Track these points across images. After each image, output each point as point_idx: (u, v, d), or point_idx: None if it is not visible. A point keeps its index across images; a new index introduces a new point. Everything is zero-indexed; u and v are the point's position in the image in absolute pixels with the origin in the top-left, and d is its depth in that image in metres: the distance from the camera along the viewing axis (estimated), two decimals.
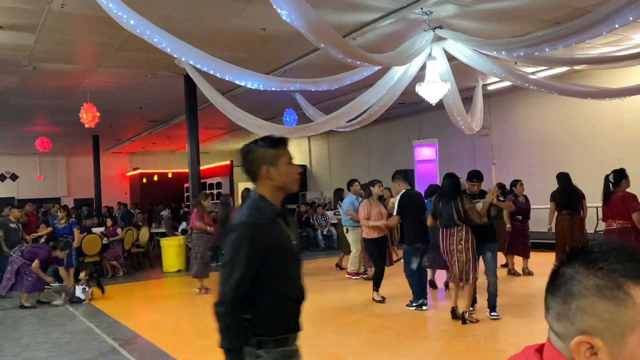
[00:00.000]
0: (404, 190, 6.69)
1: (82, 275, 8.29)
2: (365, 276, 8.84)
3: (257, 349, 2.09)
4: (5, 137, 16.64)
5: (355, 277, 8.93)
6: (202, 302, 8.20)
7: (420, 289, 6.51)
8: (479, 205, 5.67)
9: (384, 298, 7.00)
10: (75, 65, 9.29)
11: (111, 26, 6.32)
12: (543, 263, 9.59)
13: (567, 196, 7.73)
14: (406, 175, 6.97)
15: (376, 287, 7.04)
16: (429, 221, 6.68)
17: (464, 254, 5.55)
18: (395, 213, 6.71)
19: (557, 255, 7.86)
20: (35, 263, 7.71)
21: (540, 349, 0.89)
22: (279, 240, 2.17)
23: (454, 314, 5.73)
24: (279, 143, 2.21)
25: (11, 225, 9.10)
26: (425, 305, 6.44)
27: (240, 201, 10.91)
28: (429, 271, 7.61)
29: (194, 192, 11.31)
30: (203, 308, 7.79)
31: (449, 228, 5.64)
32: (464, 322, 5.56)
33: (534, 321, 5.40)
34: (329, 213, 14.50)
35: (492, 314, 5.73)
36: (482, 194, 5.85)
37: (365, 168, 17.62)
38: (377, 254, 7.16)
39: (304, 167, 21.06)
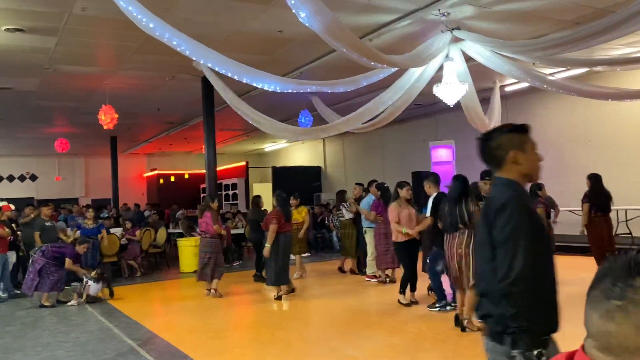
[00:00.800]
0: (435, 193, 6.61)
1: (93, 273, 8.33)
2: (380, 279, 8.75)
3: (512, 349, 1.90)
4: (25, 138, 16.90)
5: (375, 280, 8.80)
6: (218, 303, 8.25)
7: (443, 290, 6.50)
8: None
9: (412, 302, 6.90)
10: (94, 67, 9.40)
11: (130, 29, 6.38)
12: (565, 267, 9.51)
13: (600, 197, 7.61)
14: (438, 179, 6.80)
15: (403, 290, 6.92)
16: (428, 221, 6.71)
17: (464, 259, 5.38)
18: (429, 214, 6.62)
19: (597, 259, 7.77)
20: (69, 262, 7.85)
21: (571, 356, 0.87)
22: (540, 221, 2.09)
23: (457, 320, 5.60)
24: (524, 129, 2.15)
25: (46, 224, 9.20)
26: (450, 306, 6.40)
27: (250, 206, 10.87)
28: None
29: (210, 193, 11.38)
30: (219, 309, 7.84)
31: (452, 232, 5.51)
32: (463, 329, 5.42)
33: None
34: None
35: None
36: None
37: (381, 169, 17.56)
38: (406, 258, 6.99)
39: (318, 168, 21.08)
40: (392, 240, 7.33)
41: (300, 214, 9.57)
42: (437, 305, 6.45)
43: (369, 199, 8.91)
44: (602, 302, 0.81)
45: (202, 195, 20.41)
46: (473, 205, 5.44)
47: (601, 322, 0.81)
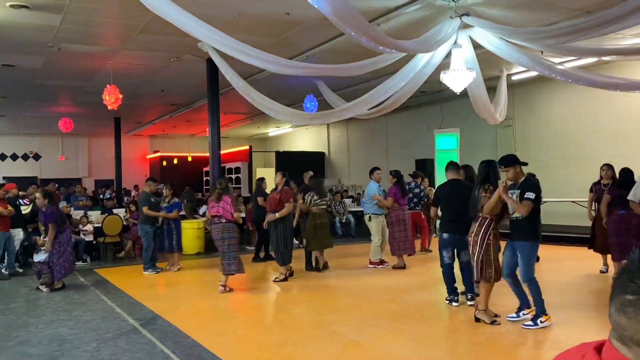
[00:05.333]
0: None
1: (40, 241, 7.99)
2: (394, 265, 8.69)
3: None
4: (29, 117, 16.87)
5: (379, 267, 8.78)
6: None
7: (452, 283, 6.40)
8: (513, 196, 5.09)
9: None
10: (99, 46, 9.34)
11: (136, 8, 6.32)
12: (577, 257, 9.49)
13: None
14: (457, 167, 6.50)
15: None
16: (432, 212, 6.66)
17: (471, 248, 5.27)
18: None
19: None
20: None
21: (599, 347, 0.86)
22: None
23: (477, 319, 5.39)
24: None
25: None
26: (455, 302, 6.24)
27: (254, 189, 10.81)
28: None
29: (214, 176, 11.38)
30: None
31: (473, 221, 5.38)
32: (476, 319, 5.31)
33: (561, 324, 5.34)
34: (347, 201, 14.49)
35: (510, 315, 5.36)
36: (525, 186, 5.05)
37: (385, 156, 17.52)
38: None
39: (322, 154, 21.04)
40: None
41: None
42: (447, 298, 6.28)
43: (374, 185, 8.89)
44: (618, 295, 0.83)
45: (205, 178, 20.42)
46: (483, 193, 5.23)
47: (616, 315, 0.83)
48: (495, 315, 5.34)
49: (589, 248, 8.05)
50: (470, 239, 5.31)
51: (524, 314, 5.29)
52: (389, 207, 8.67)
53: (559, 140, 12.64)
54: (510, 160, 5.15)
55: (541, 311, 5.03)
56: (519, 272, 5.18)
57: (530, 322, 5.06)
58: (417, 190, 10.02)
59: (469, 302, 6.04)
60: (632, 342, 0.80)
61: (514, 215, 5.11)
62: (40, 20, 7.75)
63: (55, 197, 11.44)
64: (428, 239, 10.51)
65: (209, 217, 7.54)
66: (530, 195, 4.93)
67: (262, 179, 10.51)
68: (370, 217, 8.91)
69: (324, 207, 8.84)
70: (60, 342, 5.13)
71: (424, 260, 9.41)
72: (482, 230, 5.18)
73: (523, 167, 5.23)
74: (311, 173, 9.61)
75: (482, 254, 5.15)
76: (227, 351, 4.68)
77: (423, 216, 10.19)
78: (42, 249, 7.70)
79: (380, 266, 8.80)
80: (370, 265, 8.89)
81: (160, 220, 9.13)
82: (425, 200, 9.98)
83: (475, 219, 5.29)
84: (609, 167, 7.68)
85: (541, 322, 5.00)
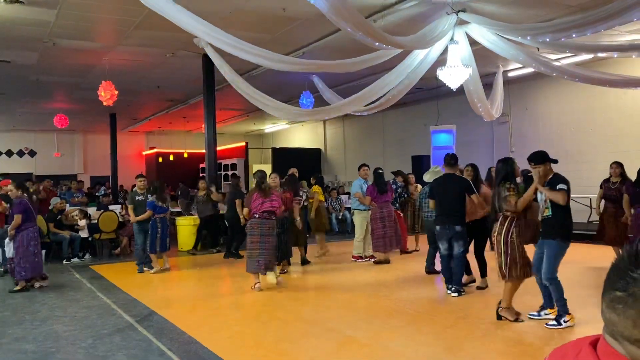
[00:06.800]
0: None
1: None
2: (374, 260, 8.91)
3: None
4: (24, 113, 16.79)
5: (360, 261, 9.02)
6: (218, 282, 8.29)
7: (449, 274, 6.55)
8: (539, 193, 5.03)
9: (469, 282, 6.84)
10: (94, 42, 9.29)
11: (132, 3, 6.30)
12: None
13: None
14: (455, 161, 6.68)
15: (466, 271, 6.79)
16: (430, 205, 6.81)
17: (495, 247, 5.18)
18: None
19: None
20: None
21: (594, 343, 0.86)
22: None
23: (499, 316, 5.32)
24: None
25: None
26: (460, 292, 6.42)
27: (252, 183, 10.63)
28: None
29: (210, 173, 11.35)
30: (219, 288, 7.87)
31: (495, 219, 5.30)
32: (498, 317, 5.25)
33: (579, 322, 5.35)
34: (344, 197, 14.49)
35: (532, 313, 5.32)
36: (555, 180, 4.95)
37: (381, 153, 17.53)
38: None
39: (318, 150, 21.03)
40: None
41: (321, 195, 10.09)
42: (448, 288, 6.47)
43: (359, 181, 9.03)
44: (608, 291, 0.84)
45: (201, 174, 20.37)
46: (504, 191, 5.10)
47: (607, 311, 0.83)
48: (518, 314, 5.23)
49: (596, 239, 8.16)
50: (493, 239, 5.26)
51: (545, 314, 5.24)
52: (367, 204, 8.81)
53: (555, 137, 12.67)
54: (542, 158, 5.06)
55: (564, 311, 4.97)
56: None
57: (553, 322, 4.99)
58: (399, 189, 9.97)
59: (453, 294, 6.31)
60: (622, 338, 0.81)
61: (545, 214, 5.03)
62: (35, 15, 7.70)
63: (49, 193, 11.42)
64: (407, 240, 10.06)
65: (252, 213, 6.96)
66: (562, 186, 4.87)
67: (261, 171, 10.20)
68: (354, 212, 9.27)
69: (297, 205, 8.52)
70: (55, 338, 5.12)
71: (416, 255, 9.38)
72: (505, 229, 5.10)
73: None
74: (293, 170, 9.33)
75: (508, 253, 5.07)
76: (223, 348, 4.67)
77: (401, 215, 9.86)
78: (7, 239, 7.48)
79: (360, 260, 9.03)
80: (352, 259, 9.17)
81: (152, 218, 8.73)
82: (403, 198, 9.92)
83: (497, 218, 5.19)
84: (618, 164, 7.89)
85: (564, 321, 4.92)
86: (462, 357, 4.40)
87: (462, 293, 6.38)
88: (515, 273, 5.10)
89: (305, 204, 9.53)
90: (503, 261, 5.11)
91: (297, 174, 9.18)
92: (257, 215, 6.93)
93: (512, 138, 13.65)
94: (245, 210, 7.21)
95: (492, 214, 5.33)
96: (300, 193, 9.00)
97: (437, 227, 6.52)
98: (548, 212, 4.99)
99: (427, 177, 7.75)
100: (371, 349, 4.59)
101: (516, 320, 5.17)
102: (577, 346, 0.88)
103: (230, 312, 6.35)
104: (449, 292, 6.41)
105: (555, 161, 5.12)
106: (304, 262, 8.93)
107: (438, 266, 7.31)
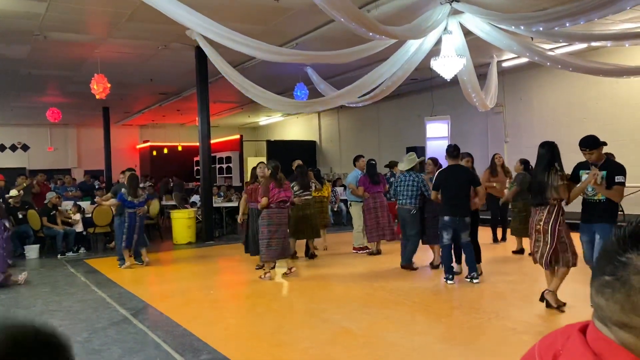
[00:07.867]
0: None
1: None
2: (369, 251, 8.94)
3: None
4: (17, 107, 16.66)
5: (360, 252, 9.04)
6: (213, 274, 8.28)
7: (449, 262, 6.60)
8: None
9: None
10: (86, 35, 9.21)
11: None
12: None
13: None
14: (457, 152, 6.77)
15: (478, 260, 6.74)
16: (433, 195, 6.77)
17: (542, 236, 5.00)
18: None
19: None
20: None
21: (583, 329, 0.85)
22: None
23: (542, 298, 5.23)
24: None
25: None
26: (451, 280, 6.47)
27: (249, 175, 10.52)
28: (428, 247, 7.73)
29: (205, 166, 11.31)
30: (215, 280, 7.86)
31: (535, 207, 5.10)
32: (541, 299, 5.15)
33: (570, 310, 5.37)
34: (339, 189, 14.48)
35: None
36: (613, 166, 4.85)
37: (376, 144, 17.52)
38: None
39: (313, 142, 20.99)
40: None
41: (328, 189, 10.07)
42: (444, 277, 6.55)
43: (356, 173, 9.04)
44: (597, 276, 0.83)
45: (195, 167, 20.31)
46: (557, 179, 4.93)
47: (595, 296, 0.83)
48: (562, 303, 5.12)
49: None
50: (539, 227, 5.06)
51: None
52: (361, 195, 8.78)
53: (549, 127, 12.68)
54: (595, 142, 4.88)
55: None
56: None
57: None
58: (392, 180, 9.96)
59: (474, 281, 6.32)
60: (610, 323, 0.80)
61: (594, 197, 4.90)
62: (25, 7, 7.62)
63: (42, 187, 11.36)
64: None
65: (267, 203, 6.98)
66: (622, 179, 4.77)
67: (263, 163, 9.97)
68: (350, 203, 9.27)
69: (308, 198, 8.50)
70: None
71: None
72: (552, 218, 4.98)
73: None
74: (299, 162, 9.29)
75: (556, 241, 4.97)
76: (219, 340, 4.67)
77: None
78: None
79: (362, 252, 9.04)
80: (353, 251, 9.17)
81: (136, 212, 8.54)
82: None
83: (544, 206, 5.03)
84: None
85: None
86: (457, 347, 4.41)
87: (476, 281, 6.35)
88: (567, 259, 4.99)
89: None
90: (547, 250, 4.99)
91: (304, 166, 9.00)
92: (273, 205, 7.06)
93: (507, 128, 13.66)
94: (265, 199, 7.03)
95: (536, 201, 5.08)
96: (311, 184, 8.87)
97: (445, 217, 6.44)
98: (601, 196, 4.85)
99: (403, 166, 7.69)
100: (367, 339, 4.60)
101: (558, 307, 5.07)
102: (566, 332, 0.87)
103: (226, 304, 6.35)
104: (448, 281, 6.45)
105: (605, 143, 4.97)
106: (312, 256, 8.78)
107: (422, 261, 7.36)
